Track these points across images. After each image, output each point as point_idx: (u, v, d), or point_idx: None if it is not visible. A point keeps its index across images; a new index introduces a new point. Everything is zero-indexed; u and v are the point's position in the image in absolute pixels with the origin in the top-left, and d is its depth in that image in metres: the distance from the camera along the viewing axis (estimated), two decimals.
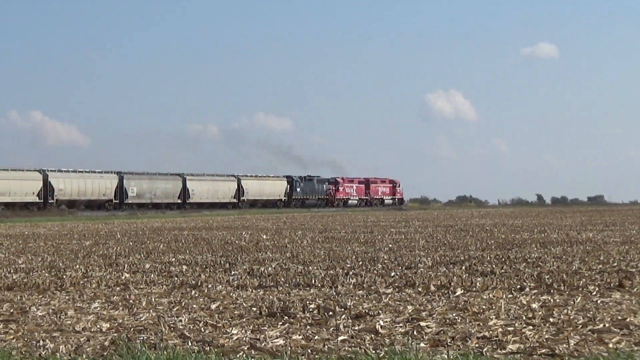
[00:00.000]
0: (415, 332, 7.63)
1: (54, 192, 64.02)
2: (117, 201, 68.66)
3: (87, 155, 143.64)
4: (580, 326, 7.75)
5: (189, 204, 73.70)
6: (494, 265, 13.63)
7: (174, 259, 16.53)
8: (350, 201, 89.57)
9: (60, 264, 15.65)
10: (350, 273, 12.79)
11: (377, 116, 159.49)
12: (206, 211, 69.20)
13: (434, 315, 8.52)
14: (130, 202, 69.32)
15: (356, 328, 7.93)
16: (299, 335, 7.65)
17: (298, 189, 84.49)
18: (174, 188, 73.53)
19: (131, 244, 22.51)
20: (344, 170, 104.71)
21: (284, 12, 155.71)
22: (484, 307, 9.03)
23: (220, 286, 11.54)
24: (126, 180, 69.70)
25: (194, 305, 9.61)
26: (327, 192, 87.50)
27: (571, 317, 8.22)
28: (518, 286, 10.76)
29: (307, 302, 9.52)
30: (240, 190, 78.62)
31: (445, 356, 6.64)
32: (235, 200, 77.90)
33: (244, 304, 9.66)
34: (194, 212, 66.98)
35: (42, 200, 63.36)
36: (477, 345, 7.06)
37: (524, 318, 8.26)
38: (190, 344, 7.36)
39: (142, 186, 70.98)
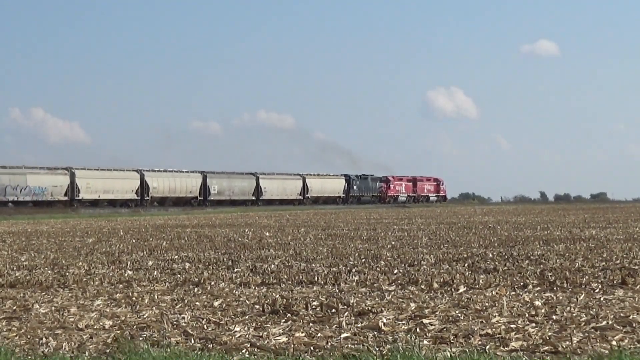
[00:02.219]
0: (418, 330, 7.63)
1: (149, 190, 70.04)
2: (202, 198, 74.43)
3: (88, 153, 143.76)
4: (583, 323, 7.74)
5: (262, 201, 79.57)
6: (496, 263, 13.62)
7: (176, 257, 16.53)
8: (400, 198, 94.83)
9: (63, 262, 15.66)
10: (353, 270, 12.79)
11: (378, 113, 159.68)
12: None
13: (437, 313, 8.51)
14: (212, 198, 75.16)
15: (359, 325, 7.92)
16: (302, 332, 7.65)
17: (355, 187, 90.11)
18: (249, 186, 79.61)
19: (134, 241, 22.53)
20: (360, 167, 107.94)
21: (286, 9, 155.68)
22: (486, 304, 9.02)
23: (223, 283, 11.54)
24: (209, 179, 75.56)
25: (197, 303, 9.61)
26: (379, 189, 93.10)
27: (574, 315, 8.21)
28: (521, 283, 10.75)
29: (310, 300, 9.51)
30: (305, 188, 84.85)
31: (448, 353, 6.63)
32: (301, 197, 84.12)
33: (247, 302, 9.66)
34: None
35: (139, 197, 69.33)
36: (479, 342, 7.06)
37: (527, 315, 8.25)
38: (192, 341, 7.37)
39: (222, 184, 77.03)
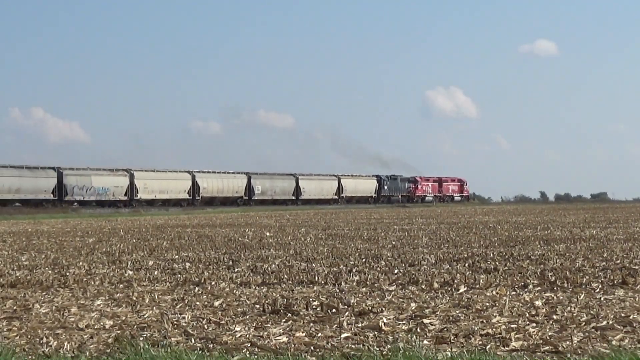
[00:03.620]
0: (418, 329, 7.63)
1: (199, 190, 73.80)
2: (247, 198, 78.41)
3: (89, 152, 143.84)
4: (584, 323, 7.74)
5: (301, 200, 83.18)
6: (497, 263, 13.62)
7: (177, 256, 16.54)
8: (427, 198, 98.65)
9: (64, 261, 15.66)
10: (354, 270, 12.79)
11: (377, 113, 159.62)
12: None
13: (437, 313, 8.51)
14: (256, 198, 79.02)
15: (359, 325, 7.92)
16: (302, 332, 7.65)
17: (385, 187, 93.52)
18: (289, 186, 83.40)
19: (134, 241, 22.53)
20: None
21: (285, 9, 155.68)
22: (487, 304, 9.02)
23: (223, 283, 11.54)
24: (253, 180, 79.38)
25: (197, 303, 9.61)
26: (408, 189, 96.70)
27: (574, 315, 8.21)
28: (521, 283, 10.75)
29: (310, 300, 9.52)
30: (340, 188, 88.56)
31: (449, 353, 6.63)
32: (336, 197, 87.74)
33: (247, 301, 9.66)
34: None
35: (191, 197, 73.23)
36: (480, 342, 7.06)
37: (527, 315, 8.25)
38: (193, 341, 7.36)
39: (265, 184, 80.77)
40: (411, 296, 9.84)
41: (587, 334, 7.27)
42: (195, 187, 73.73)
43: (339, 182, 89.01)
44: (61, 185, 64.13)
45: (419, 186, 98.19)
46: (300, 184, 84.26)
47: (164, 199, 71.47)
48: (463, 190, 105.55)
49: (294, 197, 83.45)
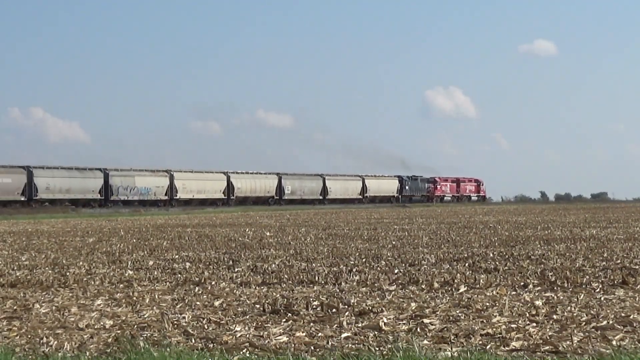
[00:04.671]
0: (418, 329, 7.63)
1: (234, 190, 76.97)
2: (277, 197, 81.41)
3: (88, 153, 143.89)
4: (584, 323, 7.74)
5: (327, 200, 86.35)
6: (497, 262, 13.62)
7: (177, 256, 16.53)
8: (445, 197, 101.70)
9: (64, 261, 15.66)
10: (354, 270, 12.79)
11: (377, 113, 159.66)
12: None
13: (438, 312, 8.51)
14: (286, 198, 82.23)
15: (360, 325, 7.92)
16: (303, 332, 7.65)
17: (407, 187, 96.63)
18: (317, 186, 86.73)
19: (135, 241, 22.53)
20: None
21: (285, 9, 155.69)
22: (487, 304, 9.02)
23: (223, 283, 11.54)
24: (283, 180, 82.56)
25: (197, 303, 9.61)
26: (427, 189, 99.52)
27: (574, 314, 8.21)
28: (521, 283, 10.75)
29: (311, 299, 9.51)
30: (364, 188, 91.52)
31: (449, 353, 6.63)
32: (360, 197, 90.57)
33: (248, 301, 9.66)
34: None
35: (226, 197, 76.20)
36: (480, 342, 7.06)
37: (528, 315, 8.25)
38: (193, 341, 7.36)
39: (295, 185, 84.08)
40: (411, 296, 9.84)
41: (587, 333, 7.27)
42: (229, 187, 76.68)
43: (363, 182, 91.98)
44: (107, 185, 67.59)
45: (438, 186, 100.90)
46: (327, 184, 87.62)
47: (201, 198, 74.37)
48: (479, 190, 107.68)
49: (321, 197, 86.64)
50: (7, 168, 63.04)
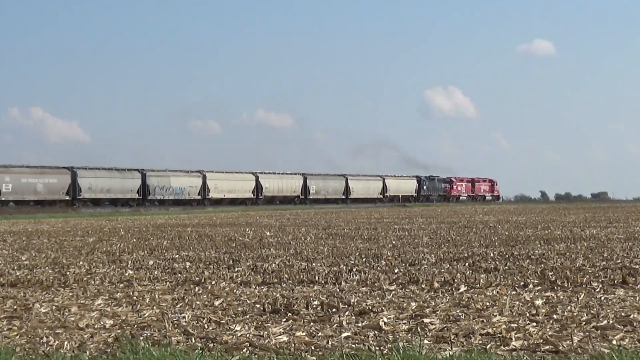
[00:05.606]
0: (418, 329, 7.62)
1: (262, 190, 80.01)
2: (303, 197, 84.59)
3: (88, 152, 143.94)
4: (584, 323, 7.73)
5: (350, 199, 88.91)
6: (497, 262, 13.61)
7: (177, 256, 16.53)
8: (461, 197, 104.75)
9: (64, 261, 15.66)
10: (354, 270, 12.78)
11: (377, 113, 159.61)
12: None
13: (438, 312, 8.51)
14: (311, 197, 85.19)
15: (360, 325, 7.92)
16: (303, 332, 7.64)
17: (425, 187, 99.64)
18: (340, 186, 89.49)
19: (135, 240, 22.52)
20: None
21: (285, 9, 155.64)
22: (487, 303, 9.02)
23: (223, 283, 11.54)
24: (308, 180, 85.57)
25: (198, 302, 9.61)
26: (444, 189, 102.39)
27: (575, 314, 8.20)
28: (522, 283, 10.74)
29: (311, 299, 9.51)
30: (384, 188, 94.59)
31: (449, 353, 6.63)
32: (381, 196, 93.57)
33: (248, 301, 9.66)
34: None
35: (254, 197, 79.25)
36: (480, 341, 7.05)
37: (528, 315, 8.25)
38: (193, 340, 7.36)
39: (319, 184, 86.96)
40: (411, 296, 9.84)
41: (587, 333, 7.26)
42: (258, 187, 79.63)
43: (384, 182, 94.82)
44: (145, 185, 70.49)
45: (454, 186, 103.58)
46: (349, 184, 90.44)
47: (232, 198, 77.61)
48: (494, 190, 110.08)
49: (344, 196, 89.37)
50: (53, 169, 65.76)
